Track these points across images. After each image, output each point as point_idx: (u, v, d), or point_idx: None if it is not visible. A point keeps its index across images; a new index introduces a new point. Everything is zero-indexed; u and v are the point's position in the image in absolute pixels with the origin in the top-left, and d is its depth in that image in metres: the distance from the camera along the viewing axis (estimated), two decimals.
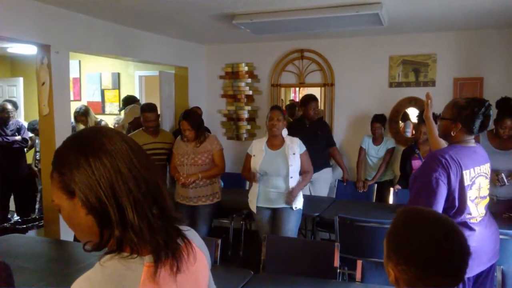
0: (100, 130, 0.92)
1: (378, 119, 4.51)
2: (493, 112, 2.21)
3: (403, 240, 1.07)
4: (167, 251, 0.86)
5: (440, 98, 4.43)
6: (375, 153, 4.56)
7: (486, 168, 2.19)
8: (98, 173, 0.83)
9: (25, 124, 5.56)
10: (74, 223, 0.88)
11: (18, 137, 5.29)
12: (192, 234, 1.00)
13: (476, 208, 2.13)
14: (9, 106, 5.35)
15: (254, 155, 3.40)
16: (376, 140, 4.56)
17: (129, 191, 0.84)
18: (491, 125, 2.89)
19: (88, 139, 0.88)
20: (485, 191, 2.18)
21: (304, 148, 3.40)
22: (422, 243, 1.04)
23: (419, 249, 1.04)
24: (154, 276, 0.83)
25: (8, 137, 5.23)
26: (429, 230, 1.06)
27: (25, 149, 5.55)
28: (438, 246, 1.03)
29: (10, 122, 5.31)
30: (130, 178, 0.85)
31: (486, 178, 2.18)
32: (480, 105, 2.08)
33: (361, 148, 4.64)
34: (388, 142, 4.55)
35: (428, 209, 1.20)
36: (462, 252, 1.04)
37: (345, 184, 4.64)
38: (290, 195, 3.28)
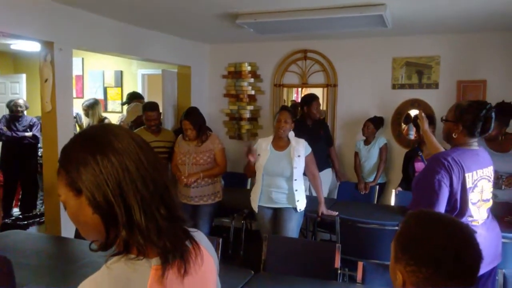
0: (108, 127, 0.90)
1: (371, 119, 4.57)
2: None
3: (415, 240, 1.04)
4: (174, 253, 0.84)
5: (443, 100, 4.45)
6: (366, 152, 4.59)
7: (489, 171, 2.18)
8: (106, 171, 0.81)
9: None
10: (79, 221, 0.86)
11: (28, 133, 5.29)
12: (199, 236, 0.98)
13: (478, 211, 2.12)
14: (21, 102, 5.38)
15: (259, 154, 3.38)
16: (366, 140, 4.61)
17: (137, 191, 0.82)
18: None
19: (96, 137, 0.86)
20: (488, 194, 2.18)
21: (309, 150, 3.39)
22: (434, 243, 1.01)
23: (430, 248, 1.01)
24: (162, 279, 0.81)
25: (18, 133, 5.24)
26: (442, 231, 1.03)
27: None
28: (451, 247, 1.00)
29: (24, 119, 5.33)
30: (137, 177, 0.83)
31: (489, 181, 2.18)
32: (482, 108, 2.09)
33: (355, 153, 4.70)
34: (379, 140, 4.58)
35: (442, 213, 1.19)
36: (475, 257, 1.01)
37: (338, 182, 4.69)
38: (321, 211, 3.45)
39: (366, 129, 4.54)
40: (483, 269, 2.11)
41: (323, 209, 3.44)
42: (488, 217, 2.19)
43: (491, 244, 2.15)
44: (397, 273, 1.05)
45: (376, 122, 4.57)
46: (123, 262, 0.81)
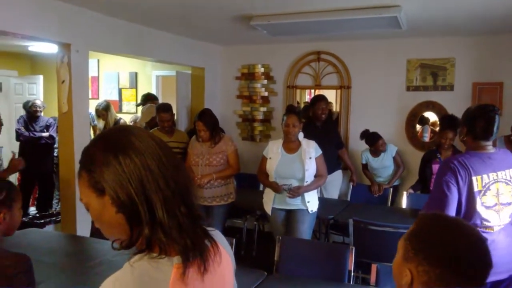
0: (127, 128, 0.92)
1: (380, 136, 4.40)
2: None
3: (430, 242, 1.07)
4: (194, 252, 0.85)
5: (458, 102, 4.39)
6: (377, 164, 4.47)
7: (507, 174, 2.14)
8: (128, 170, 0.82)
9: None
10: (103, 221, 0.87)
11: (45, 134, 5.38)
12: (217, 235, 1.00)
13: (498, 215, 2.09)
14: (39, 102, 5.47)
15: (270, 158, 3.39)
16: (374, 152, 4.47)
17: (159, 189, 0.84)
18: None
19: (116, 137, 0.87)
20: (509, 198, 2.13)
21: (320, 152, 3.38)
22: (451, 247, 1.04)
23: (446, 252, 1.04)
24: (183, 277, 0.83)
25: (35, 133, 5.34)
26: (458, 236, 1.06)
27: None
28: (465, 251, 1.04)
29: (41, 119, 5.42)
30: (159, 176, 0.84)
31: (508, 184, 2.14)
32: (482, 109, 2.14)
33: (363, 164, 4.60)
34: (390, 149, 4.45)
35: (457, 217, 1.22)
36: (486, 262, 1.04)
37: (354, 185, 4.63)
38: (295, 191, 3.23)
39: (381, 147, 4.38)
40: (502, 275, 2.07)
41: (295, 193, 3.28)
42: (511, 222, 2.16)
43: (509, 251, 2.11)
44: (405, 271, 1.08)
45: (378, 135, 4.43)
46: (146, 260, 0.83)
